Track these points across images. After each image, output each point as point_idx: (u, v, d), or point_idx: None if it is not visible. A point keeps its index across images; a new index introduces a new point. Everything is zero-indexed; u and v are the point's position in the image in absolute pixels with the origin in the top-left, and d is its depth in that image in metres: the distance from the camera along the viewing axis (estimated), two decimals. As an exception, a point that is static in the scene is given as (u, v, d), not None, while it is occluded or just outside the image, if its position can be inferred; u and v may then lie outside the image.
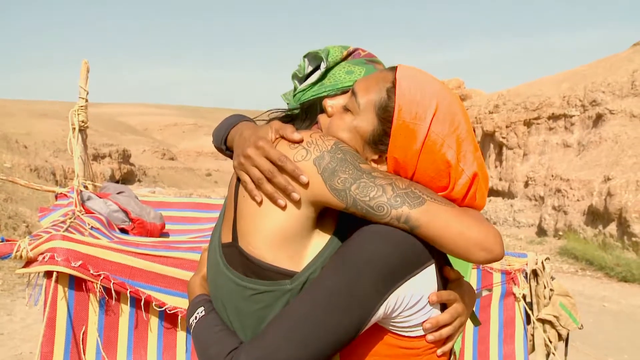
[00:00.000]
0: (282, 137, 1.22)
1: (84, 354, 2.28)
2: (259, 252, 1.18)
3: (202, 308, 1.31)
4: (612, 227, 13.69)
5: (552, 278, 3.06)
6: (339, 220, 1.24)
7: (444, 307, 1.25)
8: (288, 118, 1.52)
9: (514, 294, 3.02)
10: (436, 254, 1.19)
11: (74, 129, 3.10)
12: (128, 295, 2.30)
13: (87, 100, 3.16)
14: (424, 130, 1.16)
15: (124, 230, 2.95)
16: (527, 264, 3.02)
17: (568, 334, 3.10)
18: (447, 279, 1.26)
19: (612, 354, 6.55)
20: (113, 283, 2.25)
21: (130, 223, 2.99)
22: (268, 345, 1.08)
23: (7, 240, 2.21)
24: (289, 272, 1.17)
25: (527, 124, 19.73)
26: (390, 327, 1.19)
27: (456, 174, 1.19)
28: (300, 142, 1.19)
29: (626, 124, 16.09)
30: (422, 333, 1.21)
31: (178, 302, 2.33)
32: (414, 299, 1.16)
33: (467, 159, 1.20)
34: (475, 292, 1.41)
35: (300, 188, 1.16)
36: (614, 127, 16.15)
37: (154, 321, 2.41)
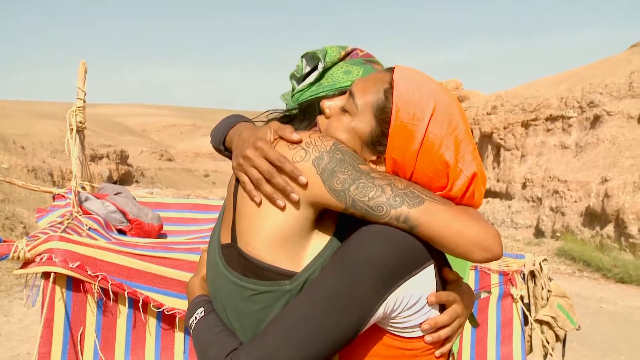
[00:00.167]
0: (281, 138, 1.22)
1: (82, 355, 2.28)
2: (258, 253, 1.18)
3: (202, 309, 1.31)
4: (610, 229, 13.71)
5: (550, 279, 3.06)
6: (338, 221, 1.24)
7: (442, 308, 1.25)
8: (286, 118, 1.52)
9: (512, 295, 3.02)
10: (435, 254, 1.19)
11: (72, 129, 3.10)
12: (126, 296, 2.30)
13: (84, 101, 3.16)
14: (421, 130, 1.17)
15: (121, 231, 2.94)
16: (524, 265, 3.02)
17: (565, 335, 3.10)
18: (446, 280, 1.26)
19: (609, 355, 6.56)
20: (111, 284, 2.24)
21: (128, 224, 2.99)
22: (268, 346, 1.08)
23: (5, 241, 2.21)
24: (289, 273, 1.17)
25: (525, 125, 19.75)
26: (389, 328, 1.19)
27: (454, 175, 1.19)
28: (299, 142, 1.19)
29: (624, 125, 16.11)
30: (421, 334, 1.21)
31: (176, 303, 2.33)
32: (413, 300, 1.16)
33: (466, 159, 1.20)
34: (474, 293, 1.41)
35: (299, 189, 1.16)
36: (612, 129, 16.18)
37: (151, 322, 2.41)
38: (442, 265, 1.24)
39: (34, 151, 27.72)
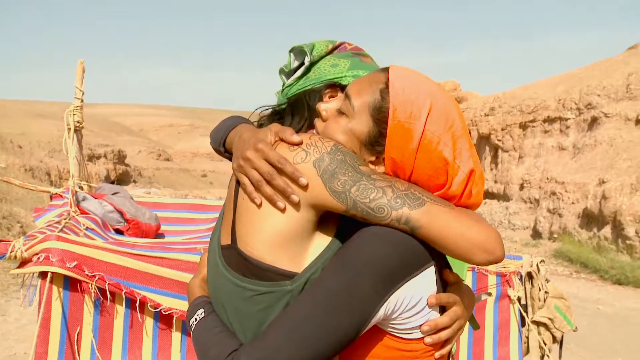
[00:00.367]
0: (282, 140, 1.21)
1: (79, 355, 2.27)
2: (258, 254, 1.18)
3: (202, 310, 1.30)
4: (607, 230, 13.73)
5: (547, 280, 3.06)
6: (339, 223, 1.24)
7: (443, 310, 1.25)
8: (276, 114, 1.52)
9: (509, 296, 3.02)
10: (436, 256, 1.19)
11: (69, 129, 3.09)
12: (123, 296, 2.29)
13: (82, 101, 3.15)
14: (419, 129, 1.17)
15: (119, 231, 2.94)
16: (522, 267, 3.02)
17: (562, 337, 3.11)
18: (447, 282, 1.26)
19: (606, 356, 6.57)
20: (108, 284, 2.24)
21: (126, 224, 2.98)
22: (268, 347, 1.08)
23: (2, 241, 2.20)
24: (290, 273, 1.17)
25: (523, 126, 19.77)
26: (390, 329, 1.19)
27: (453, 171, 1.19)
28: (299, 144, 1.19)
29: (621, 127, 16.14)
30: (421, 335, 1.21)
31: (173, 303, 2.33)
32: (413, 301, 1.16)
33: (463, 156, 1.20)
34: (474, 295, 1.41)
35: (300, 190, 1.16)
36: (609, 131, 16.20)
37: (149, 322, 2.40)
38: (442, 267, 1.24)
39: (31, 150, 27.68)
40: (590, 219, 14.63)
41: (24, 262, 2.20)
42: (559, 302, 3.06)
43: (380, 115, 1.20)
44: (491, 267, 2.99)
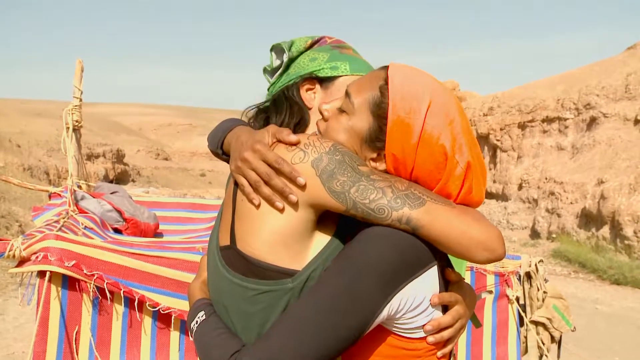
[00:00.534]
0: (279, 141, 1.21)
1: (77, 354, 2.27)
2: (258, 253, 1.18)
3: (203, 312, 1.30)
4: (605, 230, 13.74)
5: (546, 280, 3.07)
6: (339, 221, 1.24)
7: (445, 308, 1.25)
8: (262, 113, 1.53)
9: (508, 296, 3.02)
10: (438, 255, 1.19)
11: (68, 128, 3.09)
12: (121, 295, 2.29)
13: (81, 100, 3.15)
14: (419, 123, 1.17)
15: (117, 230, 2.94)
16: (520, 266, 3.02)
17: (561, 336, 3.11)
18: (448, 281, 1.26)
19: (605, 356, 6.58)
20: (106, 283, 2.24)
21: (124, 223, 2.98)
22: (271, 347, 1.07)
23: (0, 240, 2.20)
24: (290, 271, 1.17)
25: (522, 126, 19.79)
26: (393, 329, 1.19)
27: (452, 166, 1.19)
28: (296, 144, 1.19)
29: (620, 127, 16.15)
30: (424, 334, 1.21)
31: (172, 302, 2.32)
32: (416, 301, 1.16)
33: (463, 151, 1.20)
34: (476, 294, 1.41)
35: (298, 190, 1.16)
36: (608, 131, 16.22)
37: (147, 321, 2.40)
38: (444, 266, 1.25)
39: (29, 150, 27.68)
40: (588, 219, 14.64)
41: (22, 261, 2.20)
42: (558, 302, 3.06)
43: (380, 110, 1.20)
44: (490, 267, 2.99)
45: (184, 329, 2.42)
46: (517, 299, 3.03)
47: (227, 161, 1.40)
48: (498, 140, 20.54)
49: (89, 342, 2.30)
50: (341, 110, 1.27)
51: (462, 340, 2.98)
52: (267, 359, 1.06)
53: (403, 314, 1.16)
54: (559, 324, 3.05)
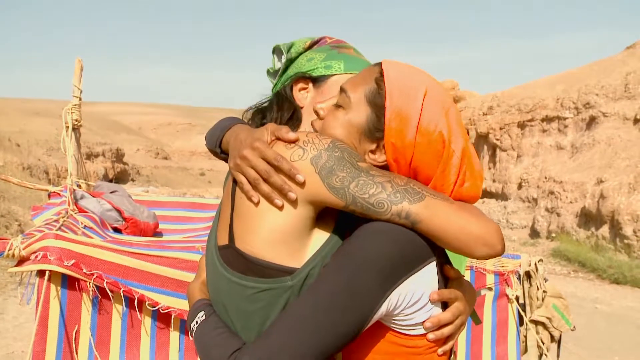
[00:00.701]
0: (278, 138, 1.22)
1: (77, 353, 2.27)
2: (257, 252, 1.18)
3: (203, 312, 1.30)
4: (605, 229, 13.74)
5: (545, 280, 3.07)
6: (338, 217, 1.24)
7: (444, 305, 1.25)
8: (259, 113, 1.54)
9: (507, 295, 3.02)
10: (436, 251, 1.20)
11: (68, 127, 3.09)
12: (121, 294, 2.29)
13: (80, 99, 3.15)
14: (417, 112, 1.18)
15: (117, 230, 2.93)
16: (520, 266, 3.02)
17: (560, 336, 3.11)
18: (448, 278, 1.26)
19: (604, 355, 6.58)
20: (106, 282, 2.23)
21: (124, 222, 2.98)
22: (271, 345, 1.07)
23: (0, 239, 2.20)
24: (289, 269, 1.17)
25: (521, 125, 19.80)
26: (392, 325, 1.19)
27: (448, 153, 1.20)
28: (295, 141, 1.19)
29: (619, 126, 16.16)
30: (424, 332, 1.21)
31: (171, 302, 2.32)
32: (415, 297, 1.16)
33: (459, 141, 1.22)
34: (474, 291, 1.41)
35: (297, 187, 1.16)
36: (607, 130, 16.23)
37: (147, 321, 2.40)
38: (443, 263, 1.25)
39: (29, 149, 27.68)
40: (588, 218, 14.65)
41: (21, 261, 2.20)
42: (557, 301, 3.06)
43: (377, 100, 1.21)
44: (489, 266, 2.99)
45: (183, 328, 2.42)
46: (517, 298, 3.03)
47: (226, 160, 1.40)
48: (497, 139, 20.55)
49: (89, 341, 2.30)
50: (337, 106, 1.28)
51: (462, 339, 2.98)
52: (267, 358, 1.06)
53: (402, 310, 1.16)
54: (558, 323, 3.05)
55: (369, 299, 1.11)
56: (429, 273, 1.18)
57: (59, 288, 2.25)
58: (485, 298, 3.01)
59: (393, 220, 1.14)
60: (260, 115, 1.53)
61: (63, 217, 2.54)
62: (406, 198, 1.14)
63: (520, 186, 18.85)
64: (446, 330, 1.24)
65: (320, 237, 1.21)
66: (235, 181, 1.26)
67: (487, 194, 20.28)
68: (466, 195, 1.25)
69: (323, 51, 1.51)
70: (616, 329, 7.79)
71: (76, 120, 3.11)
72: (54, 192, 2.99)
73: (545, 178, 17.34)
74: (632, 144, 15.19)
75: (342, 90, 1.27)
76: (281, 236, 1.17)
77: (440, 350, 1.25)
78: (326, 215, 1.23)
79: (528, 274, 3.03)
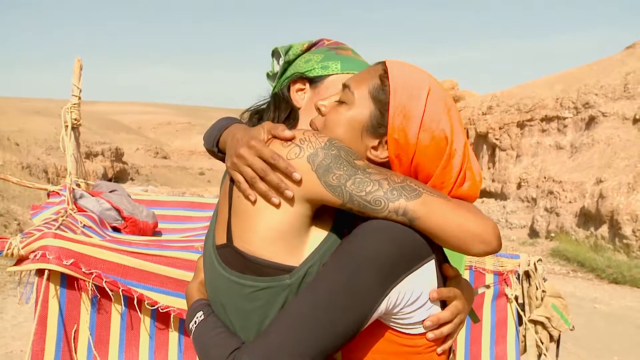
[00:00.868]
0: (274, 137, 1.22)
1: (75, 353, 2.27)
2: (255, 250, 1.18)
3: (201, 312, 1.30)
4: (604, 229, 13.74)
5: (544, 279, 3.07)
6: (336, 216, 1.25)
7: (443, 304, 1.25)
8: (257, 114, 1.55)
9: (506, 295, 3.02)
10: (435, 250, 1.20)
11: (67, 126, 3.09)
12: (120, 293, 2.29)
13: (80, 98, 3.15)
14: (420, 108, 1.19)
15: (116, 229, 2.93)
16: (519, 265, 3.03)
17: (559, 335, 3.11)
18: (446, 276, 1.27)
19: (603, 355, 6.58)
20: (105, 281, 2.23)
21: (123, 221, 2.98)
22: (270, 344, 1.07)
23: (-1, 238, 2.20)
24: (288, 267, 1.17)
25: (520, 125, 19.80)
26: (392, 324, 1.19)
27: (450, 150, 1.21)
28: (291, 139, 1.19)
29: (618, 126, 16.16)
30: (423, 331, 1.21)
31: (170, 301, 2.32)
32: (414, 295, 1.16)
33: (460, 139, 1.23)
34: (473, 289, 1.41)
35: (294, 185, 1.16)
36: (607, 130, 16.23)
37: (146, 320, 2.40)
38: (441, 261, 1.25)
39: (28, 148, 27.66)
40: (587, 218, 14.65)
41: (20, 260, 2.20)
42: (556, 301, 3.06)
43: (381, 96, 1.22)
44: (489, 266, 3.00)
45: (182, 327, 2.42)
46: (516, 298, 3.03)
47: (223, 159, 1.40)
48: (497, 139, 20.55)
49: (88, 340, 2.30)
50: (340, 102, 1.28)
51: (461, 339, 2.98)
52: (266, 357, 1.06)
53: (401, 309, 1.16)
54: (557, 323, 3.05)
55: (369, 297, 1.11)
56: (429, 271, 1.18)
57: (58, 287, 2.25)
58: (485, 298, 3.02)
59: (390, 218, 1.14)
60: (257, 116, 1.54)
61: (62, 217, 2.54)
62: (403, 195, 1.14)
63: (519, 186, 18.85)
64: (445, 329, 1.24)
65: (319, 235, 1.21)
66: (232, 180, 1.26)
67: (486, 194, 20.28)
68: (465, 195, 1.25)
69: (321, 52, 1.51)
70: (615, 329, 7.79)
71: (75, 120, 3.11)
72: (53, 191, 2.99)
73: (545, 178, 17.34)
74: (632, 144, 15.19)
75: (345, 86, 1.28)
76: (279, 234, 1.17)
77: (439, 349, 1.25)
78: (324, 214, 1.23)
79: (527, 274, 3.03)
